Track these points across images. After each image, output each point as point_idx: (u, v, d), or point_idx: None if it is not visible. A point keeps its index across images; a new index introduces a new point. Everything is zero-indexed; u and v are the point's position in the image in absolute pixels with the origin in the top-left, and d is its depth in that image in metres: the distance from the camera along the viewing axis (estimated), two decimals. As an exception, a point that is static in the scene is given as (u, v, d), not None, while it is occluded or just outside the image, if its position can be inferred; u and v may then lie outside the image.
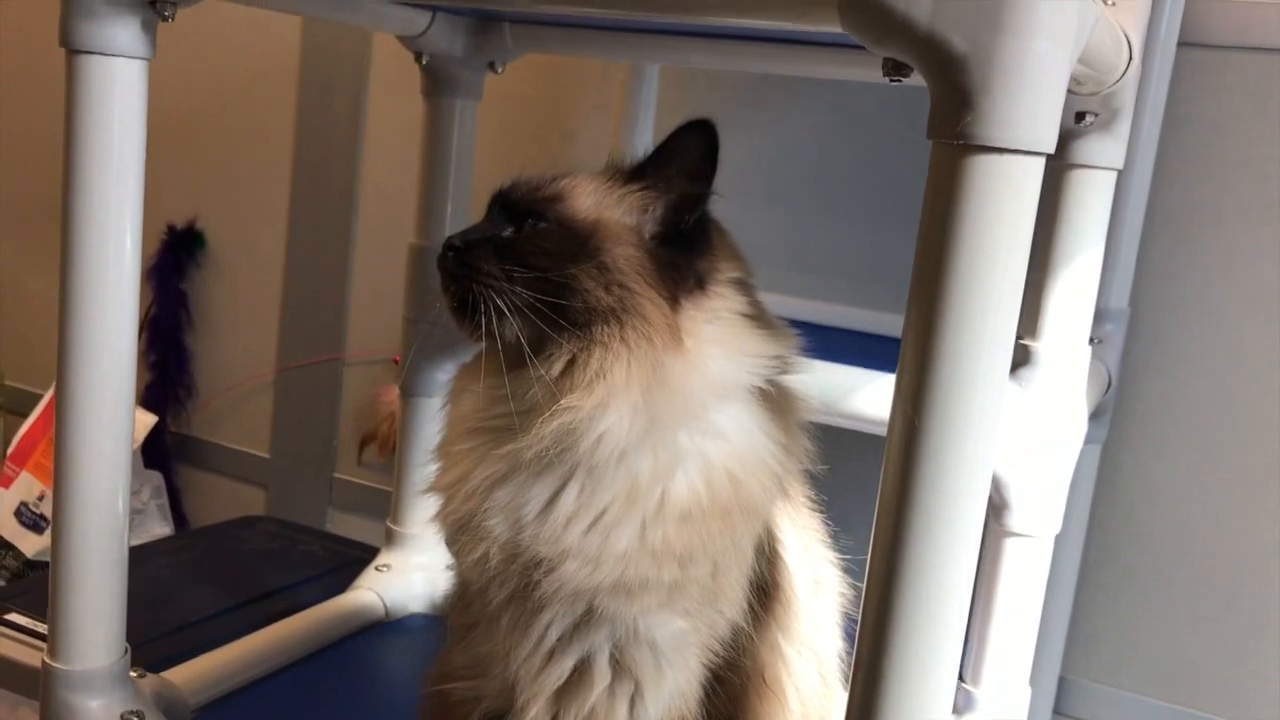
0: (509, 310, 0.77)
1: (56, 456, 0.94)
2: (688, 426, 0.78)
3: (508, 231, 0.82)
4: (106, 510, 0.95)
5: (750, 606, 0.83)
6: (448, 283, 0.80)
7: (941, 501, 0.65)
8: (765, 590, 0.84)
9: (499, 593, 0.80)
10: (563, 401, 0.76)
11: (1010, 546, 1.05)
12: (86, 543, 0.95)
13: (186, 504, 2.30)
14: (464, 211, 1.32)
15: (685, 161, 0.82)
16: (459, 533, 0.82)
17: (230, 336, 2.26)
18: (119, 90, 0.89)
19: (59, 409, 0.94)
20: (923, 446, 0.64)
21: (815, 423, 0.87)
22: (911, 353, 0.65)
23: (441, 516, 0.83)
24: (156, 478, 2.08)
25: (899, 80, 0.67)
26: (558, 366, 0.77)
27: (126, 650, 1.01)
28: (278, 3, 1.17)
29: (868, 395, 1.12)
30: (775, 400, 0.82)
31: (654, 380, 0.76)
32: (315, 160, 2.11)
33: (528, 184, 0.84)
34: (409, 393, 1.37)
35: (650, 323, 0.76)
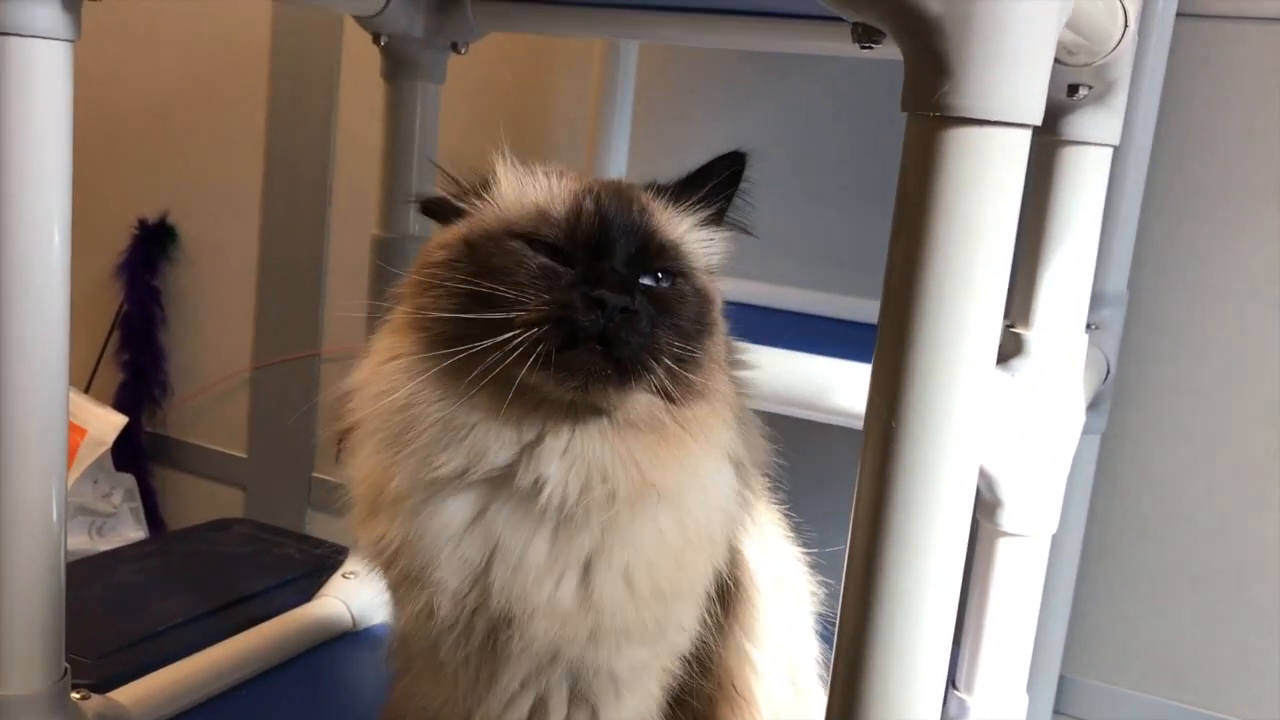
0: (660, 377, 0.71)
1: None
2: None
3: (661, 283, 0.75)
4: (38, 523, 0.89)
5: (712, 613, 0.78)
6: (615, 347, 0.69)
7: (922, 499, 0.59)
8: (726, 592, 0.79)
9: (456, 650, 0.75)
10: (648, 473, 0.72)
11: (1004, 547, 0.99)
12: (16, 559, 0.89)
13: (163, 506, 2.25)
14: (428, 200, 1.27)
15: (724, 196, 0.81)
16: (401, 584, 0.75)
17: (205, 333, 2.20)
18: (40, 74, 0.83)
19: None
20: (900, 442, 0.59)
21: (795, 418, 0.83)
22: (888, 343, 0.59)
23: (384, 564, 0.76)
24: (129, 480, 2.02)
25: (870, 48, 0.62)
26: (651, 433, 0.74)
27: (66, 671, 0.95)
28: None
29: (850, 389, 1.06)
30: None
31: (715, 456, 0.75)
32: (287, 151, 2.06)
33: (655, 221, 0.77)
34: (375, 391, 1.31)
35: (722, 398, 0.76)
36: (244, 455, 2.18)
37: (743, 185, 0.81)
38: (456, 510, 0.73)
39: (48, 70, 0.83)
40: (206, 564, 1.68)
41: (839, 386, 1.05)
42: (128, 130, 2.20)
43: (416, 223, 1.27)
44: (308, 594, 1.41)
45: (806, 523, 0.93)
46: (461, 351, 0.69)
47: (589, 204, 0.74)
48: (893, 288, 0.58)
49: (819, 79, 1.61)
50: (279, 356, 2.10)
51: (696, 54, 1.68)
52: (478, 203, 0.78)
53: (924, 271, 0.57)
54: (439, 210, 0.80)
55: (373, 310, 1.28)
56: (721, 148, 0.81)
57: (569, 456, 0.71)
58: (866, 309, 1.51)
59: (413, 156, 1.26)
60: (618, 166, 1.60)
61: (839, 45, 1.15)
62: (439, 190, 0.82)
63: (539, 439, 0.71)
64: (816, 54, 1.49)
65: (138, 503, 2.03)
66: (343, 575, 1.37)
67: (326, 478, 2.08)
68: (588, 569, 0.73)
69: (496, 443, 0.71)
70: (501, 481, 0.72)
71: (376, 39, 1.22)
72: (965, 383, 0.58)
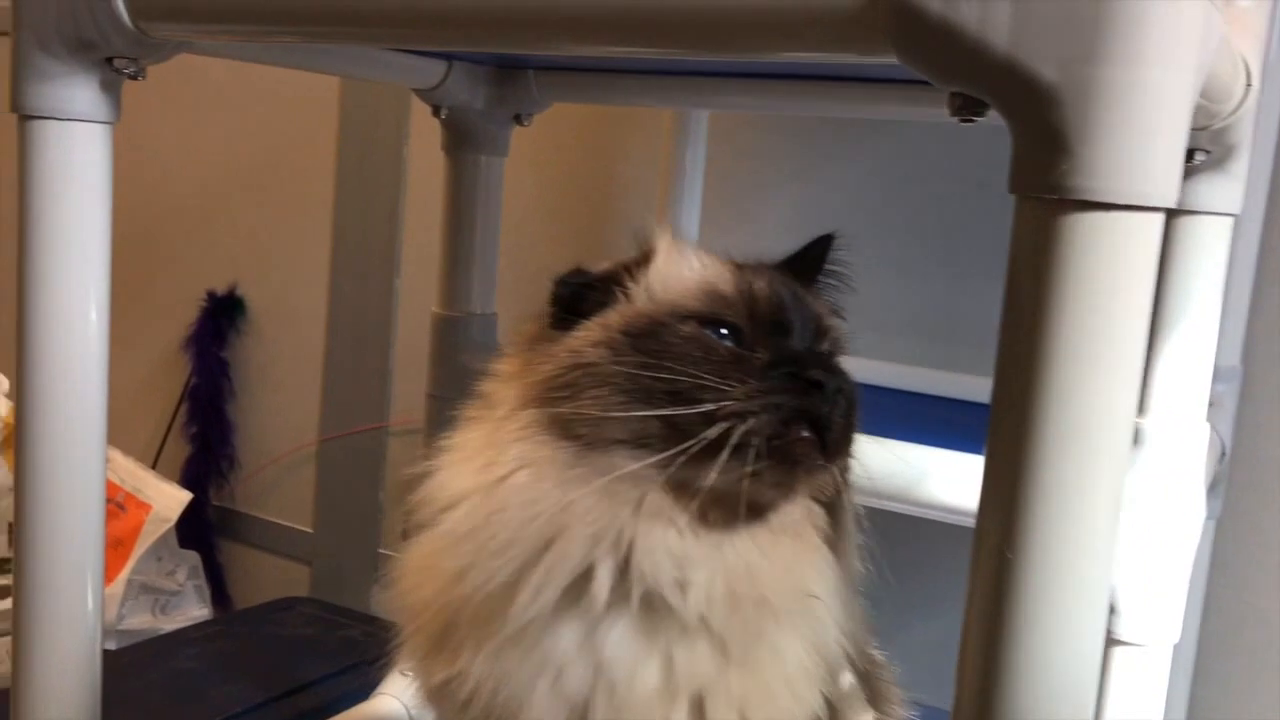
0: (845, 466, 0.69)
1: (15, 570, 0.84)
2: None
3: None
4: (72, 622, 0.84)
5: None
6: (828, 432, 0.64)
7: (1048, 631, 0.50)
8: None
9: None
10: (796, 580, 0.67)
11: (1120, 658, 0.89)
12: (49, 659, 0.84)
13: (230, 582, 2.21)
14: (490, 277, 1.21)
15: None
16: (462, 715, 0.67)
17: (272, 405, 2.17)
18: (78, 158, 0.79)
19: (17, 512, 0.84)
20: (1021, 566, 0.50)
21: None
22: (1002, 453, 0.51)
23: (456, 708, 0.67)
24: (193, 558, 1.98)
25: (972, 121, 0.54)
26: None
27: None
28: (279, 58, 1.07)
29: (945, 479, 0.97)
30: None
31: (846, 565, 0.72)
32: (355, 223, 2.03)
33: (815, 301, 0.74)
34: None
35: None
36: (310, 530, 2.13)
37: (834, 267, 0.78)
38: (567, 634, 0.64)
39: (86, 153, 0.80)
40: (268, 647, 1.64)
41: (933, 477, 0.97)
42: (198, 202, 2.20)
43: (479, 300, 1.22)
44: (369, 680, 1.36)
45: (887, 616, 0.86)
46: (671, 457, 0.62)
47: (760, 283, 0.69)
48: (1006, 391, 0.50)
49: (898, 142, 1.53)
50: (346, 429, 2.06)
51: (770, 116, 1.62)
52: (629, 286, 0.71)
53: (1045, 374, 0.49)
54: (584, 294, 0.72)
55: (436, 392, 1.24)
56: (797, 213, 0.78)
57: (719, 559, 0.64)
58: (950, 382, 1.42)
59: (475, 231, 1.21)
60: (689, 234, 1.54)
61: (928, 110, 1.08)
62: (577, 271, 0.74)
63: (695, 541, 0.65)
64: (900, 120, 1.41)
65: (202, 580, 1.99)
66: (400, 672, 1.31)
67: (393, 554, 2.02)
68: (699, 704, 0.64)
69: (665, 556, 0.63)
70: (621, 591, 0.64)
71: (436, 112, 1.17)
72: (1099, 498, 0.50)
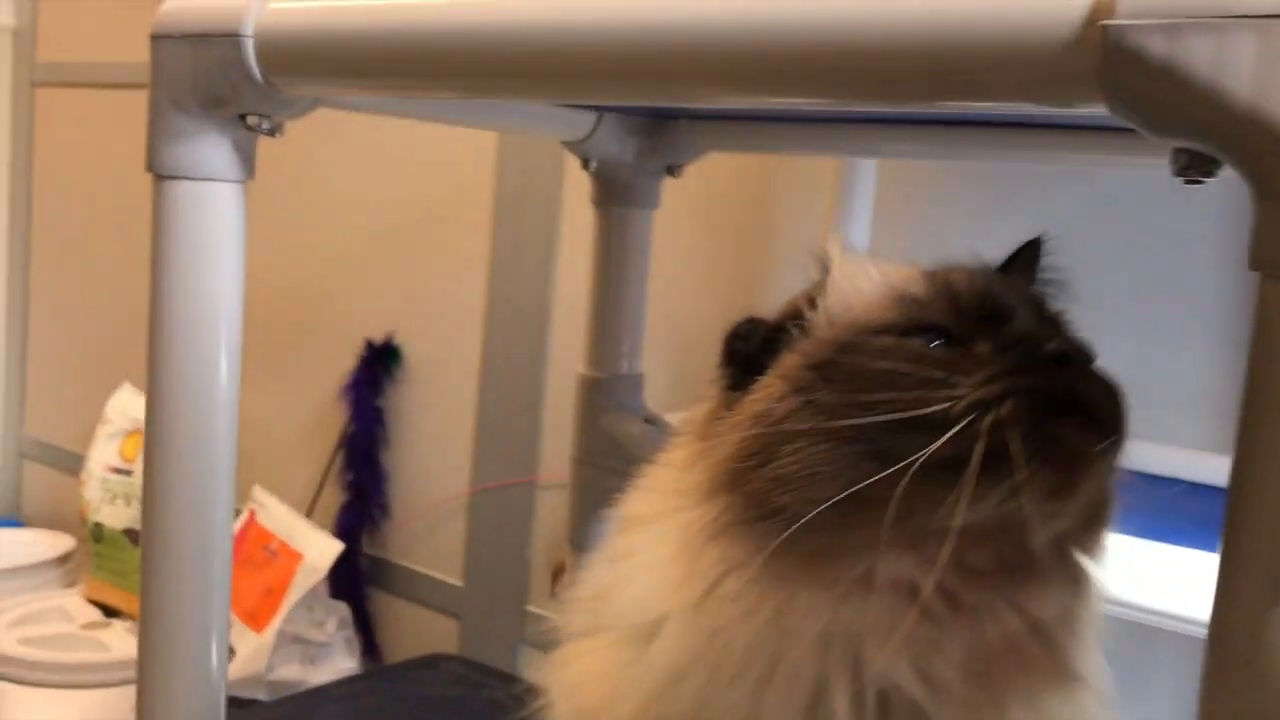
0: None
1: (141, 624, 0.82)
2: None
3: None
4: (195, 679, 0.81)
5: None
6: (1115, 408, 0.54)
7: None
8: None
9: None
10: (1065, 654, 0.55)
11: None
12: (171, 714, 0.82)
13: (380, 632, 2.20)
14: (638, 337, 1.15)
15: None
16: None
17: (425, 455, 2.16)
18: (211, 218, 0.77)
19: (143, 566, 0.82)
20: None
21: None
22: (1241, 566, 0.42)
23: None
24: (343, 609, 1.98)
25: (1200, 182, 0.45)
26: None
27: None
28: (415, 112, 1.04)
29: (1135, 574, 0.86)
30: None
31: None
32: (510, 277, 2.02)
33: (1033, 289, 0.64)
34: (580, 547, 1.19)
35: None
36: (460, 584, 2.10)
37: (1049, 274, 0.66)
38: None
39: (221, 213, 0.77)
40: (411, 707, 1.61)
41: (1126, 573, 0.86)
42: (359, 253, 2.22)
43: (626, 361, 1.16)
44: (510, 747, 1.30)
45: None
46: (898, 487, 0.50)
47: (957, 276, 0.58)
48: (1251, 494, 0.42)
49: (1084, 188, 1.42)
50: (495, 481, 2.03)
51: (944, 161, 1.52)
52: (807, 319, 0.60)
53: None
54: (768, 347, 0.60)
55: (581, 456, 1.19)
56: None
57: (971, 632, 0.53)
58: (1139, 453, 1.29)
59: (624, 288, 1.15)
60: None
61: (1134, 159, 0.98)
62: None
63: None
64: (1099, 167, 1.30)
65: (351, 631, 1.98)
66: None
67: (542, 612, 1.98)
68: None
69: (905, 644, 0.52)
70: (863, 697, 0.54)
71: (585, 164, 1.12)
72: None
